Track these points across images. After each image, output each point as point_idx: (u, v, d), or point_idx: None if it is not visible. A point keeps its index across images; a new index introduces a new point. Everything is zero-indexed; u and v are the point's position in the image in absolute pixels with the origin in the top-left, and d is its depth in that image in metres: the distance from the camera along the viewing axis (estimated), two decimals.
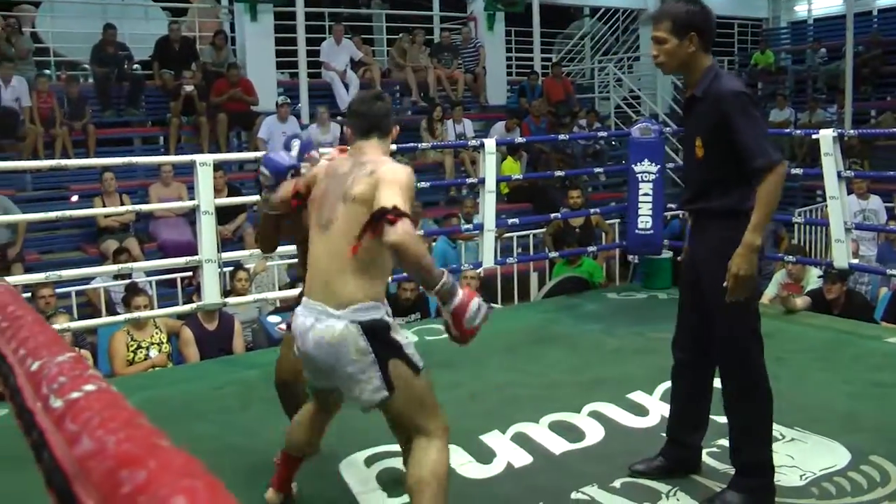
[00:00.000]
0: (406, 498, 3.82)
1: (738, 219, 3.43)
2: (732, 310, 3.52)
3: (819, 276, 7.35)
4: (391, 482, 3.96)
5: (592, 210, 9.37)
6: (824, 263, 7.15)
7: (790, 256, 7.53)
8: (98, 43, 12.47)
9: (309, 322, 3.05)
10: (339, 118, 12.91)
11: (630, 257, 9.08)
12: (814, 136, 6.97)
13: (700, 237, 3.71)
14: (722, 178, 3.50)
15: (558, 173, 10.02)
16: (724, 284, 3.45)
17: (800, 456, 4.07)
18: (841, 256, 6.63)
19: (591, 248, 8.82)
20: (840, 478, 3.84)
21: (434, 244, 9.44)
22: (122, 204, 9.52)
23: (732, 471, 3.79)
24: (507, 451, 4.27)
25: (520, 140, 10.63)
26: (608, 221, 10.17)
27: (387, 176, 2.97)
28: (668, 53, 3.50)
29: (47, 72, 13.06)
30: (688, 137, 3.68)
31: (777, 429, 4.35)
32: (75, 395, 0.59)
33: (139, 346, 6.58)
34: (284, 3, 13.42)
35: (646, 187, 7.62)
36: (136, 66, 13.20)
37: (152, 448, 0.48)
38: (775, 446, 4.14)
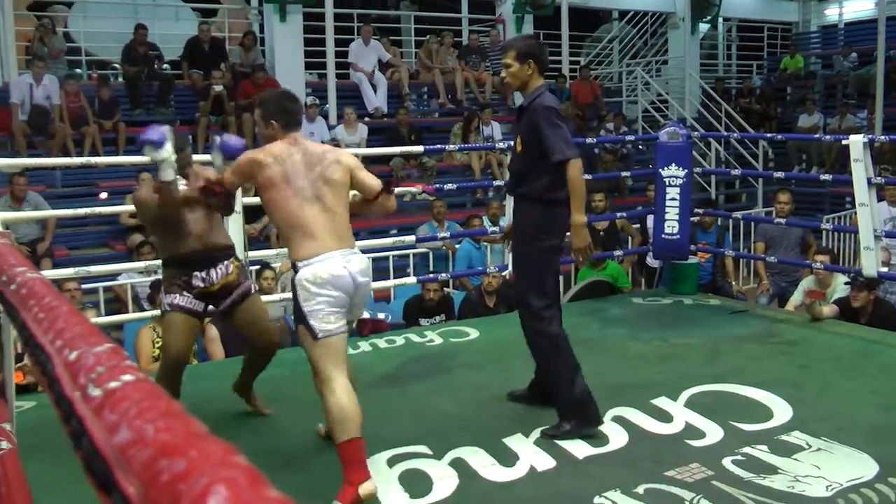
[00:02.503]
0: (430, 498, 3.84)
1: (542, 204, 4.51)
2: (523, 279, 4.66)
3: (846, 283, 7.30)
4: (413, 482, 3.97)
5: (619, 214, 9.35)
6: (853, 271, 7.09)
7: (819, 261, 7.47)
8: (129, 43, 12.58)
9: (343, 262, 3.94)
10: (366, 119, 12.97)
11: (648, 261, 9.04)
12: (843, 142, 6.91)
13: (516, 217, 4.73)
14: (532, 170, 4.50)
15: (586, 177, 9.97)
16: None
17: (826, 466, 4.03)
18: (870, 264, 6.57)
19: (618, 252, 8.79)
20: (867, 489, 3.79)
21: (459, 246, 9.45)
22: None
23: (757, 479, 3.87)
24: (530, 455, 4.27)
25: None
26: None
27: (352, 162, 4.21)
28: (513, 75, 4.60)
29: (78, 71, 13.18)
30: (515, 137, 4.71)
31: (803, 438, 4.34)
32: (113, 384, 0.59)
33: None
34: (313, 4, 13.47)
35: (673, 192, 7.59)
36: (165, 65, 13.31)
37: (191, 437, 0.49)
38: (800, 455, 4.13)
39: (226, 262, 4.64)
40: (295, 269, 3.95)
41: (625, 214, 9.43)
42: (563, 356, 4.54)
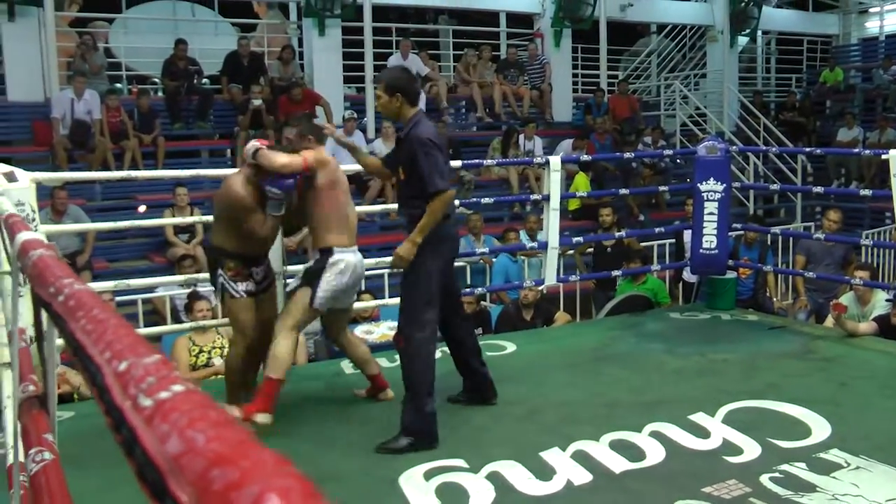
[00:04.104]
0: None
1: None
2: (411, 289, 4.80)
3: (887, 300, 7.22)
4: (450, 496, 3.97)
5: (623, 232, 9.27)
6: (893, 287, 7.01)
7: (858, 276, 7.39)
8: (169, 57, 12.72)
9: (357, 257, 5.06)
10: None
11: (686, 276, 8.99)
12: (883, 157, 6.84)
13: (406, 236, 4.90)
14: (415, 195, 4.73)
15: (623, 191, 9.95)
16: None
17: (865, 485, 3.99)
18: None
19: (655, 267, 8.76)
20: None
21: (495, 260, 9.45)
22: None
23: (795, 497, 3.86)
24: (566, 469, 4.26)
25: (585, 158, 10.59)
26: (666, 241, 10.04)
27: None
28: (383, 106, 4.91)
29: (119, 86, 13.34)
30: (397, 164, 4.91)
31: (841, 456, 4.30)
32: (164, 394, 0.61)
33: (201, 351, 6.68)
34: (352, 19, 13.55)
35: (711, 206, 7.55)
36: (205, 80, 13.42)
37: (243, 447, 0.50)
38: (839, 474, 4.10)
39: (267, 260, 5.41)
40: (330, 252, 4.92)
41: (634, 232, 9.38)
42: (427, 366, 4.73)
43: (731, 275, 7.84)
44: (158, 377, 0.63)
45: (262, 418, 4.69)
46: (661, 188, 11.19)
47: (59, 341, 1.77)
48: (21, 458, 2.02)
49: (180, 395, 0.60)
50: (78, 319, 0.88)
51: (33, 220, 5.03)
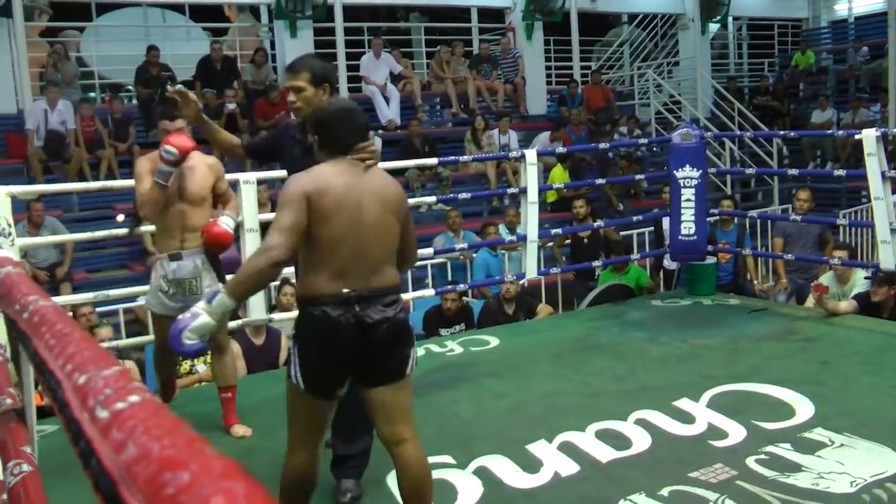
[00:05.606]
0: None
1: None
2: None
3: (866, 278, 7.26)
4: (438, 493, 3.97)
5: (597, 223, 9.29)
6: (871, 266, 7.05)
7: (837, 256, 7.43)
8: (142, 64, 12.64)
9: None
10: (380, 132, 13.00)
11: (666, 264, 9.02)
12: (856, 137, 6.88)
13: None
14: None
15: (599, 181, 9.97)
16: None
17: (849, 462, 4.02)
18: (887, 258, 6.54)
19: (635, 256, 8.78)
20: (891, 484, 3.78)
21: (476, 255, 9.44)
22: None
23: (781, 477, 3.86)
24: (553, 460, 4.27)
25: (560, 150, 10.58)
26: (645, 229, 10.07)
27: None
28: (306, 100, 3.92)
29: (92, 95, 13.26)
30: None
31: (826, 434, 4.33)
32: (120, 405, 0.61)
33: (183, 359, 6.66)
34: (323, 19, 13.52)
35: (688, 193, 7.58)
36: (179, 85, 13.34)
37: (194, 452, 0.51)
38: (824, 452, 4.13)
39: None
40: None
41: (605, 223, 9.40)
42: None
43: (710, 260, 7.88)
44: (116, 388, 0.63)
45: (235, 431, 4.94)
46: (638, 177, 11.21)
47: None
48: None
49: (137, 405, 0.60)
50: (42, 336, 0.87)
51: (9, 234, 5.01)
